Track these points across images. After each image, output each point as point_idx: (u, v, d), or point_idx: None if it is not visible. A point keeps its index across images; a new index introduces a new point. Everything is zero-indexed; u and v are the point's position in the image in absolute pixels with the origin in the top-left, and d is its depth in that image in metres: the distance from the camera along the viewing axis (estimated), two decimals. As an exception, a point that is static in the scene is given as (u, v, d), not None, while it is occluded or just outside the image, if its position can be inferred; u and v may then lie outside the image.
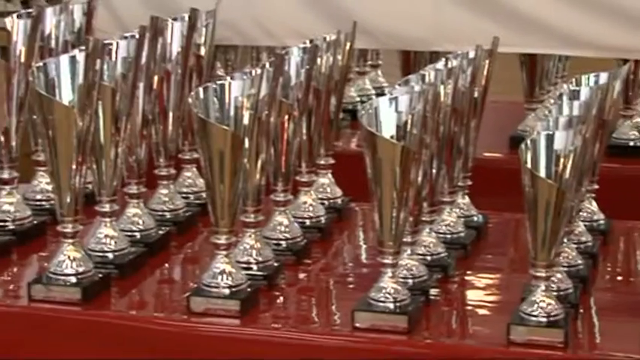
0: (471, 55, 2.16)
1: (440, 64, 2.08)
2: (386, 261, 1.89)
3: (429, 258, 2.09)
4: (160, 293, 2.12)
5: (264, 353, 1.89)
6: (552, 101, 2.52)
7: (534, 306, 1.83)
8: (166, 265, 2.22)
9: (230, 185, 1.91)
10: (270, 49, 3.16)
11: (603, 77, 2.06)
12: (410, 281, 1.97)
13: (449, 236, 2.21)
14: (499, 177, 2.57)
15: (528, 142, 1.79)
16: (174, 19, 2.34)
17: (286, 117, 2.13)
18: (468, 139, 2.19)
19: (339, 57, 2.34)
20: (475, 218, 2.34)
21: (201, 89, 1.92)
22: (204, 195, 2.32)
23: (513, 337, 1.82)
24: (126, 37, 2.11)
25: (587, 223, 2.25)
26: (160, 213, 2.34)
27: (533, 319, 1.83)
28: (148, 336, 1.94)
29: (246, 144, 1.93)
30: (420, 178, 1.95)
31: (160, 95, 2.30)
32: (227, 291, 1.94)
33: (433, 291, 2.01)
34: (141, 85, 2.17)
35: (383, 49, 3.59)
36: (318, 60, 2.24)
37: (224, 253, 1.96)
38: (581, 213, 2.21)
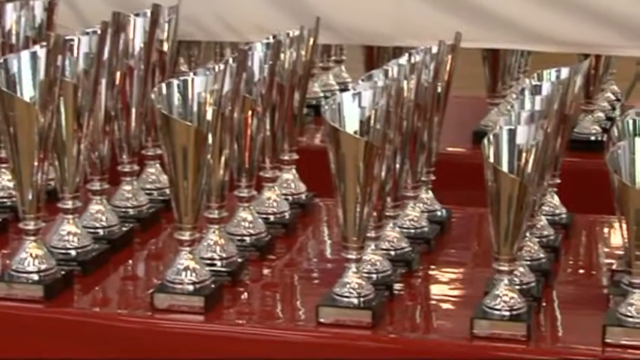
0: (434, 50, 2.16)
1: (403, 60, 2.08)
2: (350, 256, 1.89)
3: (392, 253, 2.09)
4: (123, 290, 2.12)
5: (229, 349, 1.89)
6: (514, 96, 2.53)
7: (497, 300, 1.84)
8: (130, 261, 2.21)
9: (194, 181, 1.91)
10: (234, 45, 3.15)
11: (565, 72, 2.07)
12: (374, 276, 1.98)
13: (412, 231, 2.21)
14: (462, 172, 2.57)
15: (491, 136, 1.79)
16: (137, 15, 2.33)
17: (250, 113, 2.13)
18: (431, 134, 2.20)
19: (303, 52, 2.34)
20: (439, 213, 2.34)
21: (164, 85, 1.91)
22: (167, 191, 2.30)
23: (477, 331, 1.83)
24: (87, 33, 2.10)
25: (549, 217, 2.26)
26: (123, 209, 2.32)
27: (496, 312, 1.83)
28: (112, 333, 1.93)
29: (210, 140, 1.93)
30: (383, 173, 1.95)
31: (122, 91, 2.29)
32: (191, 287, 1.94)
33: (397, 286, 2.01)
34: (103, 81, 2.16)
35: (346, 45, 3.59)
36: (282, 55, 2.24)
37: (188, 249, 1.96)
38: (543, 207, 2.22)
